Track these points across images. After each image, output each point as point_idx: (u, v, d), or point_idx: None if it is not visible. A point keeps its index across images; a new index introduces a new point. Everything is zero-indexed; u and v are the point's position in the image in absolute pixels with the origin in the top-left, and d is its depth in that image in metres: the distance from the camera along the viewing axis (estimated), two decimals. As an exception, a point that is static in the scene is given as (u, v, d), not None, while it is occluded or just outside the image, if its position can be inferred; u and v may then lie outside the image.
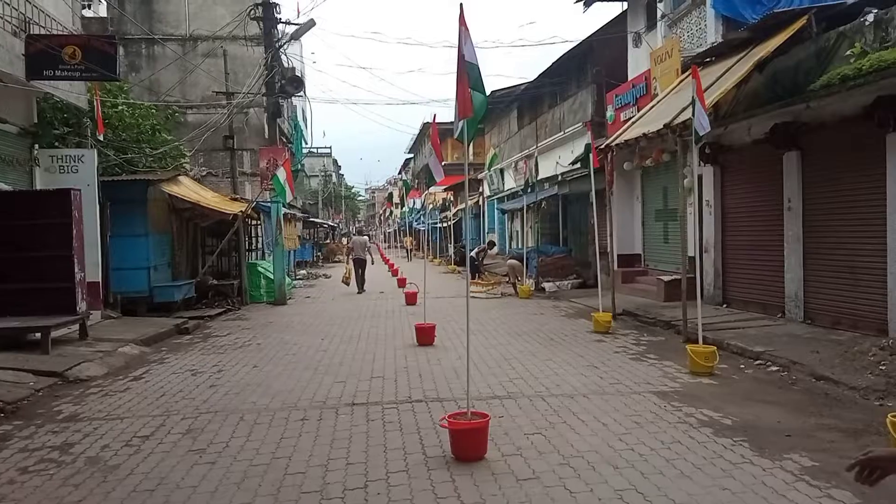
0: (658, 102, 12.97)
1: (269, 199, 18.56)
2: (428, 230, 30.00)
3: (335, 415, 6.44)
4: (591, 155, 12.06)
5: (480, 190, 33.16)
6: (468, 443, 5.00)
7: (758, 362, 8.26)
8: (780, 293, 10.79)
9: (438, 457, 5.12)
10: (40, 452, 5.50)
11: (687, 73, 13.05)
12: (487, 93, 5.68)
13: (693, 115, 8.05)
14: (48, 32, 11.49)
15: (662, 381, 7.48)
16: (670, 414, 6.13)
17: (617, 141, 12.39)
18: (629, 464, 4.84)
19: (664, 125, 10.29)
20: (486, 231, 33.55)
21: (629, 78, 16.78)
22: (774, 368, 7.88)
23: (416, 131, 55.34)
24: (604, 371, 8.04)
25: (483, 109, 5.48)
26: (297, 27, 18.72)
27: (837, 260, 9.70)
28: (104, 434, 5.97)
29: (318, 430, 5.92)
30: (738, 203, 12.21)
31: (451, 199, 39.21)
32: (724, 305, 12.30)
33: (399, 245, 49.86)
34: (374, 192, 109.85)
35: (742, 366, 8.19)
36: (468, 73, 5.34)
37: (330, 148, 72.60)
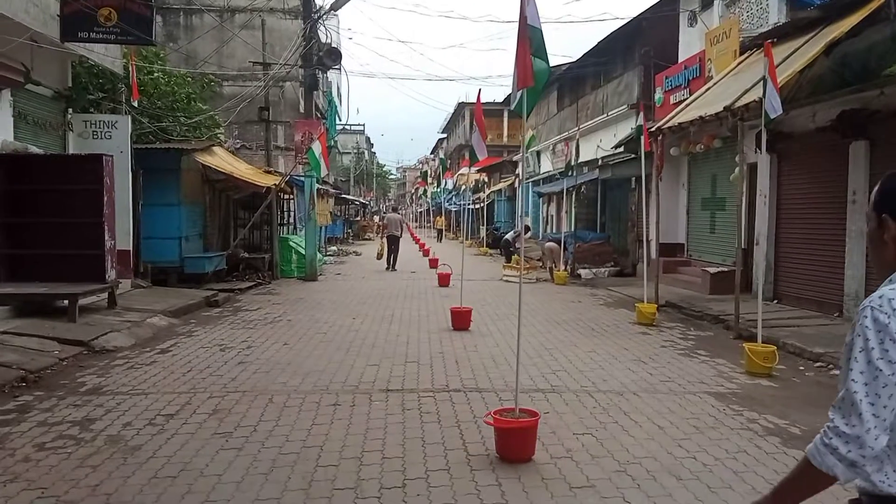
0: (714, 84, 12.29)
1: (302, 174, 18.25)
2: (461, 211, 29.56)
3: (369, 401, 6.07)
4: (641, 137, 11.43)
5: (517, 172, 32.54)
6: (516, 443, 4.58)
7: (818, 364, 7.71)
8: (838, 291, 10.15)
9: (481, 455, 4.71)
10: (59, 427, 5.21)
11: (746, 55, 12.37)
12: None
13: (764, 95, 7.44)
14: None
15: (717, 380, 6.98)
16: (731, 419, 5.65)
17: (670, 123, 11.78)
18: (693, 475, 4.39)
19: (724, 108, 9.67)
20: (520, 215, 32.94)
21: (680, 59, 16.08)
22: (837, 372, 7.30)
23: (452, 110, 54.72)
24: (652, 367, 7.55)
25: (545, 79, 4.98)
26: (336, -2, 18.23)
27: (906, 258, 9.02)
28: (127, 410, 5.68)
29: (351, 418, 5.55)
30: (796, 194, 11.54)
31: (486, 180, 38.62)
32: (775, 301, 11.67)
33: (430, 225, 49.42)
34: (405, 172, 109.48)
35: (801, 367, 7.64)
36: (530, 38, 4.84)
37: (363, 125, 72.26)
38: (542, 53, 4.83)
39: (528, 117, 5.27)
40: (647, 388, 6.64)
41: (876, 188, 1.73)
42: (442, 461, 4.60)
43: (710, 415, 5.75)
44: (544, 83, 4.98)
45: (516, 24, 4.90)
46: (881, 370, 1.51)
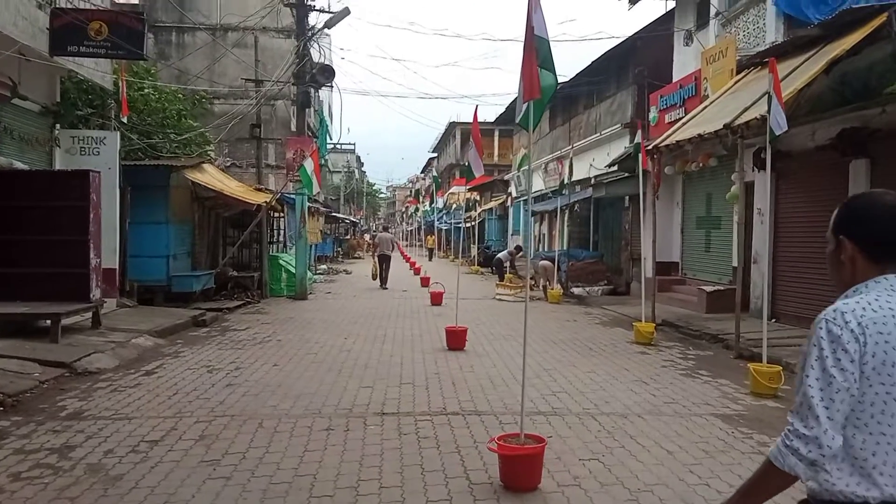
0: (711, 103, 12.22)
1: (293, 191, 18.03)
2: (451, 230, 29.38)
3: (363, 425, 5.81)
4: (639, 155, 11.30)
5: (509, 191, 32.47)
6: (522, 471, 4.34)
7: (824, 386, 7.51)
8: (839, 310, 9.99)
9: (484, 483, 4.47)
10: (37, 455, 4.92)
11: (743, 74, 12.32)
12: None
13: (769, 111, 7.33)
14: (74, 7, 10.99)
15: (723, 402, 6.77)
16: (741, 442, 5.44)
17: (667, 142, 11.67)
18: (709, 504, 4.17)
19: (724, 125, 9.56)
20: (511, 233, 32.83)
21: (675, 78, 16.03)
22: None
23: (443, 129, 54.76)
24: (655, 388, 7.34)
25: (552, 91, 4.81)
26: (330, 15, 18.17)
27: (908, 277, 8.88)
28: (109, 436, 5.39)
29: (346, 444, 5.30)
30: (794, 212, 11.43)
31: (477, 198, 38.52)
32: (773, 320, 11.47)
33: (419, 244, 49.26)
34: (394, 190, 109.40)
35: (808, 389, 7.44)
36: (537, 49, 4.68)
37: (354, 144, 72.20)
38: (549, 65, 4.67)
39: (534, 130, 5.08)
40: (652, 410, 6.42)
41: (835, 212, 1.83)
42: (443, 490, 4.36)
43: (720, 438, 5.54)
44: (550, 96, 4.80)
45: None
46: (834, 377, 1.62)
